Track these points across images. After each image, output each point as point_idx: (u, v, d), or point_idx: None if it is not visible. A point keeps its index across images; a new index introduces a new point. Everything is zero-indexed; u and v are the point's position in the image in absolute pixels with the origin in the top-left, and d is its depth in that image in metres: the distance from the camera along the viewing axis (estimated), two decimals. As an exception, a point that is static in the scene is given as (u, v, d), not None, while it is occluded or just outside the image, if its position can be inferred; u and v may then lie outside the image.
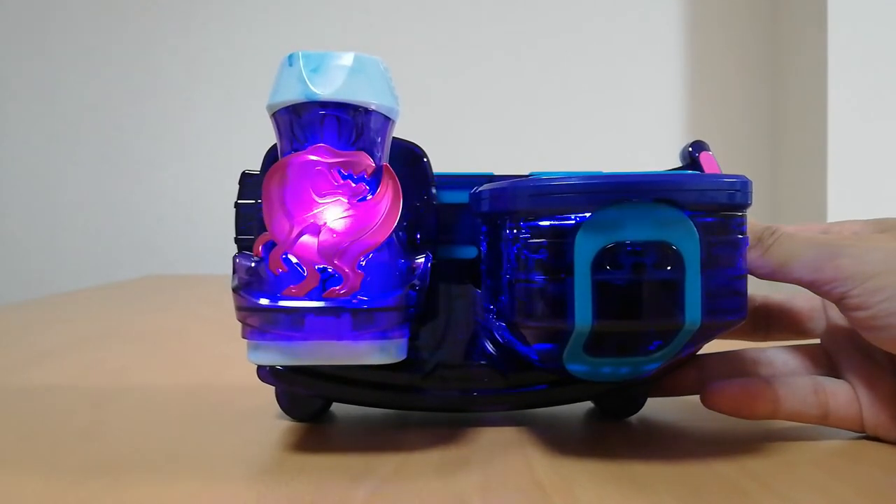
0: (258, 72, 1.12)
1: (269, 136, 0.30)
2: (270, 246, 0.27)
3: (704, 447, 0.30)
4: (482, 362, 0.32)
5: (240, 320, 0.27)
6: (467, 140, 1.31)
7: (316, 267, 0.26)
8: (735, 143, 1.35)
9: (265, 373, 0.32)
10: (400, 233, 0.30)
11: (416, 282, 0.28)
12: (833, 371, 0.32)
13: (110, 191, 1.37)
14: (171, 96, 1.37)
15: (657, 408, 0.35)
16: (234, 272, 0.28)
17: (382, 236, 0.27)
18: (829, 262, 0.28)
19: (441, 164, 0.33)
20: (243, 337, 0.27)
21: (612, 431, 0.32)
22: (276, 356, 0.27)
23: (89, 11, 1.36)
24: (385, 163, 0.28)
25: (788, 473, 0.27)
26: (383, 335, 0.27)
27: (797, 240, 0.29)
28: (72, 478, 0.27)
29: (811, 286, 0.29)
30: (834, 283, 0.28)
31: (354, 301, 0.26)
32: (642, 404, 0.34)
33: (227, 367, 0.47)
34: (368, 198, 0.27)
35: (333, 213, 0.27)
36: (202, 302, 0.86)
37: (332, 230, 0.27)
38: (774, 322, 0.34)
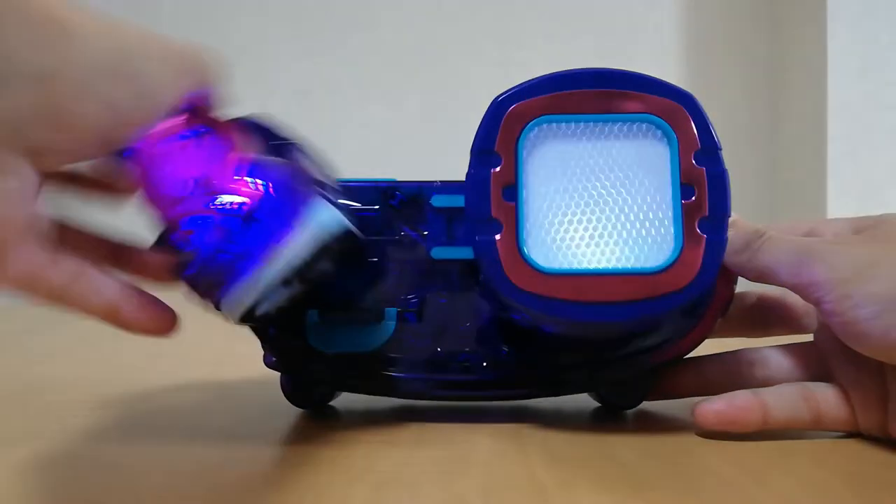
0: (257, 70, 1.12)
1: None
2: (170, 227, 0.27)
3: (703, 446, 0.30)
4: (485, 351, 0.33)
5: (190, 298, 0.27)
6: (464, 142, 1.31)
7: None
8: (735, 142, 1.35)
9: (271, 360, 0.32)
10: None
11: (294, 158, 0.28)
12: (825, 370, 0.32)
13: (111, 192, 1.37)
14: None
15: (656, 408, 0.35)
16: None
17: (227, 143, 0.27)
18: (805, 267, 0.28)
19: (441, 166, 0.33)
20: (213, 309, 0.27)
21: (612, 431, 0.32)
22: (242, 295, 0.27)
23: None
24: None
25: (785, 470, 0.27)
26: (298, 208, 0.27)
27: (781, 243, 0.29)
28: (72, 477, 0.27)
29: (794, 290, 0.29)
30: (811, 288, 0.28)
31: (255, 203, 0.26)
32: (643, 397, 0.34)
33: (226, 366, 0.47)
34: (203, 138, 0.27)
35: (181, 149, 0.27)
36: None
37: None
38: (771, 318, 0.34)
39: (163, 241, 0.27)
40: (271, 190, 0.27)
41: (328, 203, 0.28)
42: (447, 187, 0.33)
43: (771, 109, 1.35)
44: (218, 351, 0.52)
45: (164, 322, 0.28)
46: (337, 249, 0.28)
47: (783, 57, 1.31)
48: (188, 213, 0.27)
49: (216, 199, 0.26)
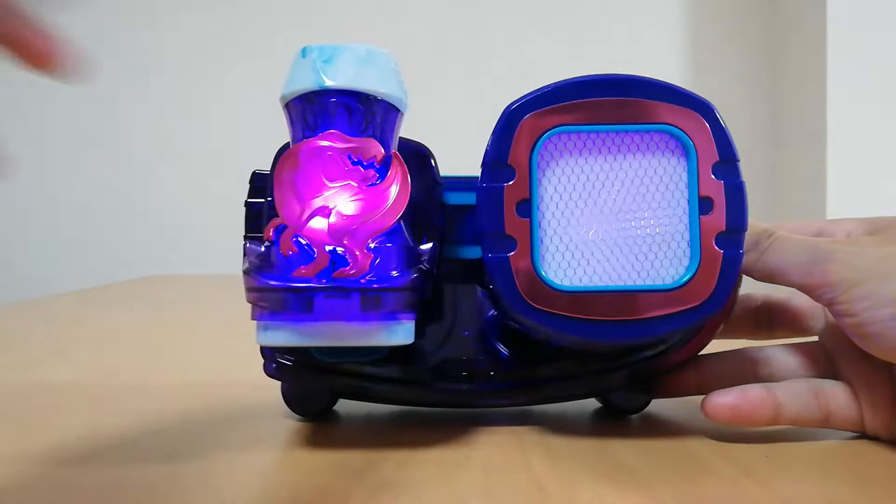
0: (259, 71, 1.12)
1: (272, 136, 0.30)
2: (281, 229, 0.27)
3: (704, 446, 0.30)
4: (489, 357, 0.33)
5: (250, 301, 0.27)
6: (471, 140, 1.31)
7: (326, 248, 0.27)
8: (735, 142, 1.35)
9: (272, 368, 0.32)
10: (407, 222, 0.30)
11: (423, 265, 0.28)
12: (832, 369, 0.32)
13: (110, 190, 1.37)
14: (171, 96, 1.37)
15: (658, 407, 0.35)
16: (245, 256, 0.28)
17: (391, 220, 0.28)
18: (818, 266, 0.28)
19: (446, 165, 0.33)
20: (253, 318, 0.27)
21: (613, 431, 0.32)
22: (286, 337, 0.27)
23: (91, 12, 1.36)
24: (394, 150, 0.29)
25: (788, 473, 0.27)
26: (392, 317, 0.27)
27: (791, 243, 0.29)
28: (72, 478, 0.27)
29: (804, 290, 0.29)
30: (823, 288, 0.28)
31: (363, 282, 0.27)
32: (648, 402, 0.34)
33: (227, 366, 0.47)
34: (378, 183, 0.28)
35: (343, 197, 0.27)
36: (203, 302, 0.86)
37: (341, 213, 0.27)
38: (776, 320, 0.34)
39: (272, 233, 0.27)
40: (380, 285, 0.27)
41: (413, 322, 0.28)
42: (460, 184, 0.33)
43: (771, 109, 1.35)
44: (219, 356, 0.52)
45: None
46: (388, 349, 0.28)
47: (783, 56, 1.31)
48: (303, 236, 0.27)
49: (335, 250, 0.27)
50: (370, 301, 0.27)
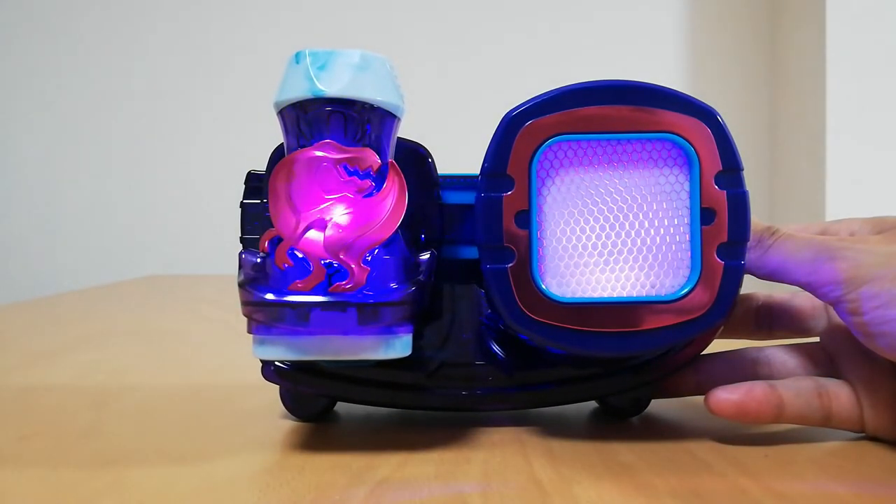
0: (259, 71, 1.12)
1: (270, 136, 0.30)
2: (277, 241, 0.27)
3: (704, 446, 0.30)
4: (487, 361, 0.33)
5: (246, 315, 0.27)
6: (470, 139, 1.31)
7: (322, 262, 0.27)
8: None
9: (270, 372, 0.32)
10: (405, 230, 0.30)
11: (420, 277, 0.28)
12: (832, 370, 0.32)
13: (110, 191, 1.37)
14: (171, 96, 1.36)
15: (657, 407, 0.35)
16: (241, 267, 0.28)
17: (388, 232, 0.27)
18: (824, 264, 0.27)
19: (444, 163, 0.33)
20: (249, 332, 0.27)
21: (612, 431, 0.32)
22: (282, 351, 0.27)
23: (91, 13, 1.36)
24: (391, 160, 0.29)
25: (788, 473, 0.27)
26: (388, 330, 0.27)
27: (796, 241, 0.29)
28: (72, 478, 0.27)
29: (808, 288, 0.29)
30: (829, 286, 0.27)
31: (360, 296, 0.27)
32: (646, 404, 0.34)
33: (227, 366, 0.47)
34: (374, 194, 0.28)
35: (339, 209, 0.27)
36: (202, 302, 0.86)
37: (338, 225, 0.27)
38: (777, 321, 0.34)
39: (270, 242, 0.27)
40: (377, 299, 0.27)
41: (410, 334, 0.28)
42: (458, 182, 0.33)
43: (770, 110, 1.35)
44: (218, 356, 0.52)
45: None
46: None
47: (783, 56, 1.31)
48: (298, 249, 0.27)
49: (331, 263, 0.27)
50: (367, 315, 0.27)
